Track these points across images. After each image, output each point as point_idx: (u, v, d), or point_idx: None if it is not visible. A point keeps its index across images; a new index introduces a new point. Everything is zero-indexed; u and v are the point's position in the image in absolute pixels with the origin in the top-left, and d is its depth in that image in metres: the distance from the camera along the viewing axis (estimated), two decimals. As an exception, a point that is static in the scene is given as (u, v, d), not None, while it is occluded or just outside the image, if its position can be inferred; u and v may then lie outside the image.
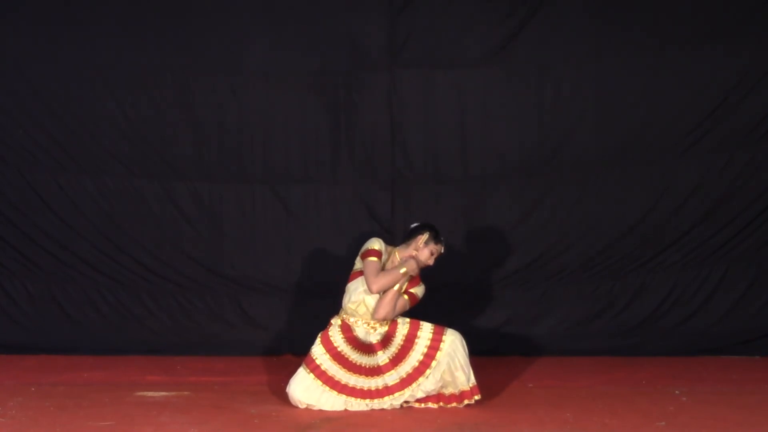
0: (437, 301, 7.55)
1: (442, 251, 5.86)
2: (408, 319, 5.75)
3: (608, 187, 7.67)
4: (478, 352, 5.82)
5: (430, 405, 5.60)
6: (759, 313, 7.58)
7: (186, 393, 6.02)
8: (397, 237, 7.57)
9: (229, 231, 7.76)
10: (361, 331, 5.73)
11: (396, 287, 5.69)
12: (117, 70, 7.64)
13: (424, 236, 5.79)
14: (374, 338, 5.71)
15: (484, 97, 7.69)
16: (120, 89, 7.65)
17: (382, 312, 5.69)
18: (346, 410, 5.52)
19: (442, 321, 5.81)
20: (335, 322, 5.78)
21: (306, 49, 7.67)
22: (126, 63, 7.63)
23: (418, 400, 5.61)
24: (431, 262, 5.81)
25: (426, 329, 5.67)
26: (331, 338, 5.69)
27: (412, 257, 5.75)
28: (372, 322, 5.73)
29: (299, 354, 6.03)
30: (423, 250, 5.77)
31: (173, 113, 7.70)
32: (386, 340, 5.70)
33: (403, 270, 5.69)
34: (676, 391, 6.07)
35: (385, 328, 5.74)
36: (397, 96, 7.69)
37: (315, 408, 5.54)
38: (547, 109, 7.66)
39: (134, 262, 7.72)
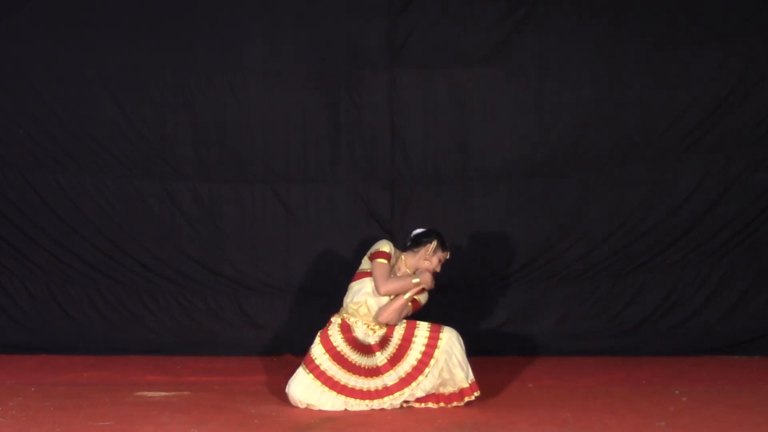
0: (437, 301, 7.53)
1: (448, 257, 5.87)
2: (404, 321, 5.75)
3: (608, 187, 7.67)
4: (478, 352, 5.82)
5: (431, 405, 5.60)
6: (759, 313, 7.58)
7: (186, 393, 6.02)
8: (396, 237, 7.58)
9: (229, 231, 7.76)
10: (360, 332, 5.73)
11: (407, 296, 5.69)
12: (117, 70, 7.64)
13: (432, 245, 5.79)
14: (372, 340, 5.71)
15: (484, 97, 7.69)
16: (120, 89, 7.65)
17: (387, 318, 5.69)
18: (346, 410, 5.52)
19: (442, 321, 5.81)
20: (335, 320, 5.78)
21: (306, 49, 7.68)
22: (126, 63, 7.63)
23: (418, 400, 5.60)
24: (439, 269, 5.83)
25: (422, 328, 5.66)
26: (331, 338, 5.69)
27: (429, 271, 5.75)
28: (372, 323, 5.73)
29: (299, 354, 6.02)
30: (432, 258, 5.78)
31: (173, 113, 7.70)
32: (384, 341, 5.70)
33: (416, 281, 5.69)
34: (676, 391, 6.06)
35: (384, 330, 5.74)
36: (397, 96, 7.69)
37: (315, 408, 5.54)
38: (547, 109, 7.66)
39: (134, 262, 7.72)
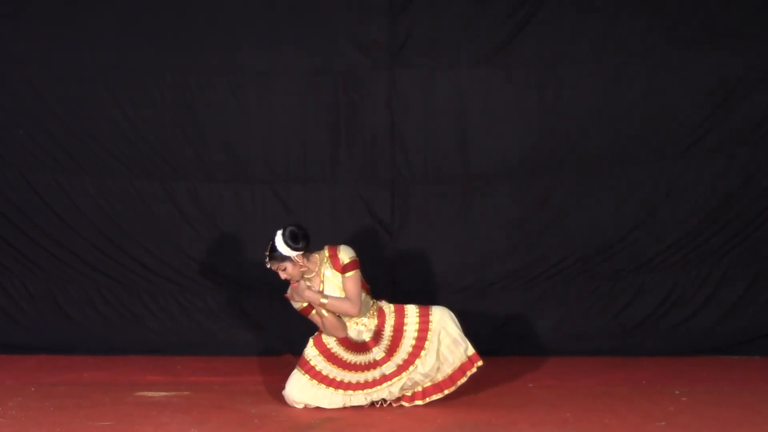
0: (437, 302, 7.55)
1: (270, 266, 5.69)
2: (392, 307, 5.76)
3: (608, 187, 7.66)
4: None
5: (434, 398, 5.61)
6: (759, 313, 7.57)
7: (186, 393, 6.03)
8: (397, 238, 7.59)
9: (229, 231, 7.76)
10: (353, 332, 5.74)
11: (335, 293, 5.67)
12: (117, 70, 7.64)
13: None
14: (367, 336, 5.72)
15: (484, 97, 7.68)
16: (120, 89, 7.65)
17: (353, 311, 5.65)
18: (345, 407, 5.52)
19: (442, 321, 5.80)
20: (327, 327, 5.81)
21: (306, 49, 7.67)
22: (126, 63, 7.63)
23: (422, 393, 5.60)
24: (285, 276, 5.70)
25: (411, 314, 5.70)
26: (324, 340, 5.71)
27: (298, 291, 5.73)
28: (359, 320, 5.73)
29: (298, 354, 6.01)
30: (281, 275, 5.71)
31: (173, 113, 7.69)
32: (378, 335, 5.71)
33: (323, 301, 5.64)
34: (676, 391, 6.07)
35: (375, 322, 5.74)
36: (397, 96, 7.68)
37: (313, 406, 5.54)
38: (547, 109, 7.65)
39: (134, 262, 7.72)
